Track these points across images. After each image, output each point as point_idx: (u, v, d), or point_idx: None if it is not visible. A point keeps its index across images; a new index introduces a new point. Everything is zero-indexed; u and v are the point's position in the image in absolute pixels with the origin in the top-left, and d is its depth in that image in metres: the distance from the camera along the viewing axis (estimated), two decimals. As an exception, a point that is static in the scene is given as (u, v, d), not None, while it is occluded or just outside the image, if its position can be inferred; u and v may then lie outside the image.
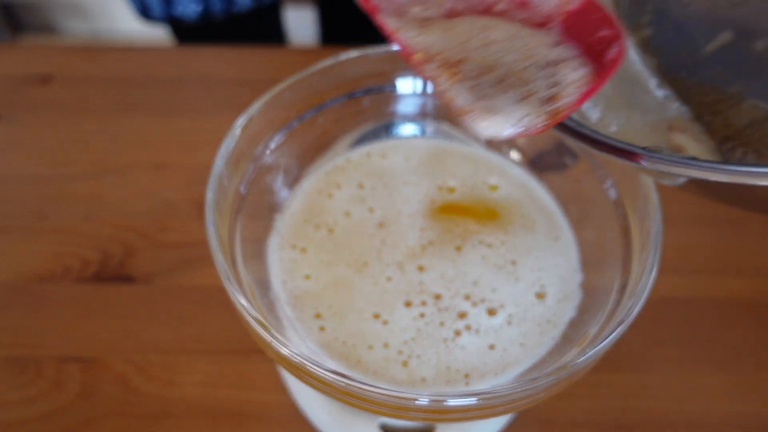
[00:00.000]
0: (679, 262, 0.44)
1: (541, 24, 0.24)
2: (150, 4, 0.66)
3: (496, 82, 0.22)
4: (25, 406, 0.37)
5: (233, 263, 0.29)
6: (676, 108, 0.26)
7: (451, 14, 0.23)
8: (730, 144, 0.25)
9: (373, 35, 0.90)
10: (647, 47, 0.28)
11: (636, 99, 0.27)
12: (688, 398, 0.38)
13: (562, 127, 0.22)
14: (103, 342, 0.40)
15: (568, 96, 0.22)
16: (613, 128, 0.26)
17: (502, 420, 0.36)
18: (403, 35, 0.22)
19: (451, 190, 0.36)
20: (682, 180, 0.21)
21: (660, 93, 0.27)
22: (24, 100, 0.57)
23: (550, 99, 0.22)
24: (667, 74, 0.27)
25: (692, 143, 0.25)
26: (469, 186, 0.36)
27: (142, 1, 0.67)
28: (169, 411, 0.37)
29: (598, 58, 0.23)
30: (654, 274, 0.26)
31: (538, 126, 0.21)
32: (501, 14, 0.24)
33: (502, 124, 0.21)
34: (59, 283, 0.43)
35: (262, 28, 0.77)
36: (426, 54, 0.22)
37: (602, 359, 0.38)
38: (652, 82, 0.27)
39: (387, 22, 0.23)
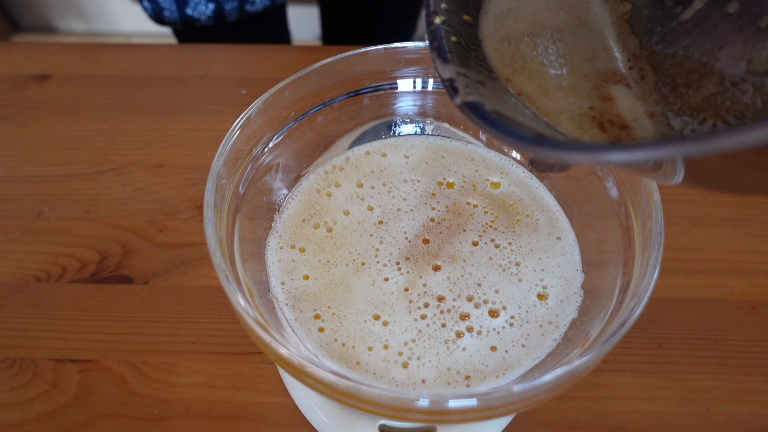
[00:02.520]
0: (680, 263, 0.44)
1: None
2: (164, 5, 0.66)
3: None
4: (23, 407, 0.37)
5: (232, 263, 0.28)
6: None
7: None
8: (702, 116, 0.24)
9: (374, 36, 0.90)
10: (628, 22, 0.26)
11: (587, 44, 0.25)
12: (689, 400, 0.37)
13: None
14: (101, 343, 0.40)
15: None
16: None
17: (503, 422, 0.36)
18: None
19: (450, 185, 0.36)
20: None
21: (619, 53, 0.25)
22: (22, 99, 0.56)
23: None
24: (643, 46, 0.25)
25: (630, 99, 0.24)
26: (470, 183, 0.36)
27: (156, 3, 0.67)
28: (167, 412, 0.37)
29: None
30: (656, 274, 0.25)
31: None
32: None
33: None
34: (57, 284, 0.43)
35: (271, 28, 0.77)
36: None
37: (603, 360, 0.38)
38: (612, 37, 0.25)
39: None
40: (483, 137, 0.38)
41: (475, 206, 0.35)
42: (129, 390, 0.38)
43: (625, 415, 0.37)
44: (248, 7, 0.68)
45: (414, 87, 0.37)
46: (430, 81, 0.37)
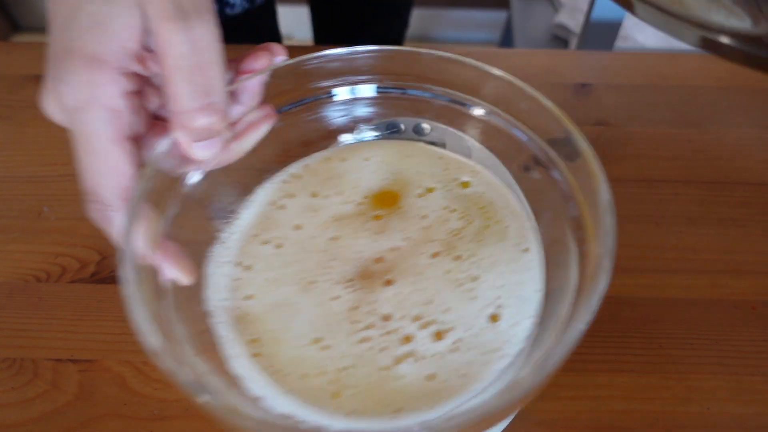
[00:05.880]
0: (680, 263, 0.43)
1: None
2: None
3: None
4: (23, 407, 0.38)
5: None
6: None
7: None
8: None
9: (368, 33, 0.88)
10: None
11: None
12: (688, 400, 0.37)
13: None
14: (101, 343, 0.40)
15: None
16: None
17: (503, 422, 0.35)
18: None
19: (430, 189, 0.34)
20: None
21: None
22: (22, 98, 0.57)
23: None
24: None
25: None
26: (441, 183, 0.34)
27: None
28: (167, 412, 0.37)
29: None
30: (590, 314, 0.23)
31: None
32: None
33: None
34: (57, 284, 0.43)
35: (258, 30, 0.75)
36: None
37: (602, 360, 0.38)
38: None
39: None
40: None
41: (454, 210, 0.33)
42: (129, 390, 0.38)
43: (625, 415, 0.36)
44: (228, 10, 0.66)
45: (372, 93, 0.35)
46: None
